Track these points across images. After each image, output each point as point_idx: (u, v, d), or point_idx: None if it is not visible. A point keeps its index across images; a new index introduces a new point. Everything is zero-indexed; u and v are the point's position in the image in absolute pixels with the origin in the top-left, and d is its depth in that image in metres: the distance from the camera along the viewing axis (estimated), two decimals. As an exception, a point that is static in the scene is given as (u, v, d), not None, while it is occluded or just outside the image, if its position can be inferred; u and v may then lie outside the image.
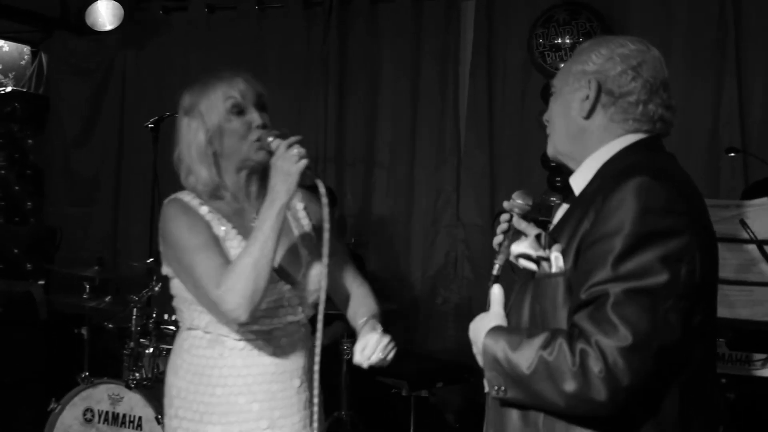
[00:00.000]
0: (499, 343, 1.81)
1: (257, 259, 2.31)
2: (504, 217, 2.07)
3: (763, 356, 3.29)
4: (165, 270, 2.53)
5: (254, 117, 2.43)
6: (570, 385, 1.68)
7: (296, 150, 2.28)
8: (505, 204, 2.06)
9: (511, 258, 2.00)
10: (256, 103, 2.46)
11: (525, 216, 2.05)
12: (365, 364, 2.43)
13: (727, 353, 3.33)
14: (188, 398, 2.51)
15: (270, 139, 2.38)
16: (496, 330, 1.86)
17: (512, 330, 1.86)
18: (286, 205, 2.33)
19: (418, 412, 4.71)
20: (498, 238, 2.06)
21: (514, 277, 2.12)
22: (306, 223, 2.60)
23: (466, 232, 5.71)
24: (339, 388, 4.41)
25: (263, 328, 2.47)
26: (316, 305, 2.48)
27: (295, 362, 2.54)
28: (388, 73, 6.00)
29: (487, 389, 1.86)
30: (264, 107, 2.48)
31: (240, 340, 2.48)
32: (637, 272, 1.69)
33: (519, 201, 2.05)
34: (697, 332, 1.80)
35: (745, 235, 2.98)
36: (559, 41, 5.16)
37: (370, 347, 2.44)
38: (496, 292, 1.95)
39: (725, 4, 5.03)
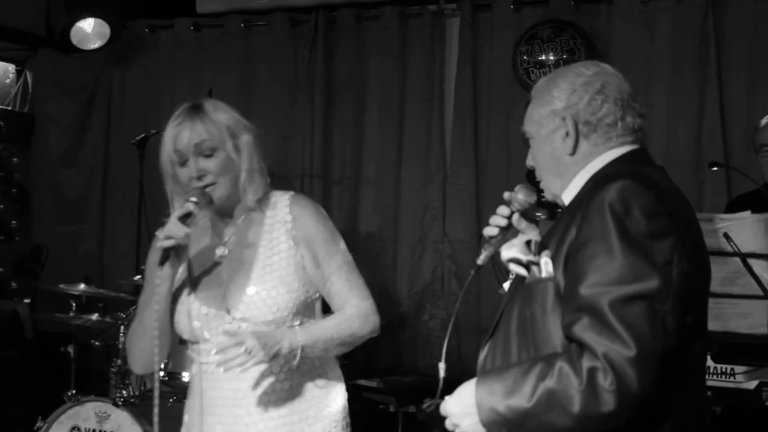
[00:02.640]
0: (494, 392, 1.79)
1: (139, 331, 2.56)
2: (503, 211, 2.05)
3: (748, 369, 3.32)
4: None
5: (192, 167, 2.46)
6: (578, 406, 1.69)
7: (170, 227, 2.41)
8: (506, 195, 2.06)
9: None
10: (197, 152, 2.47)
11: (525, 212, 2.05)
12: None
13: (713, 366, 3.36)
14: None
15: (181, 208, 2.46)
16: (485, 380, 1.84)
17: (500, 372, 1.85)
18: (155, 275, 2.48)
19: (405, 428, 4.71)
20: (491, 231, 2.05)
21: (495, 285, 2.15)
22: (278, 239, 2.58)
23: (452, 249, 5.72)
24: (327, 405, 4.40)
25: (204, 350, 2.52)
26: (269, 324, 2.50)
27: (257, 386, 2.51)
28: (374, 90, 6.02)
29: None
30: (211, 150, 2.47)
31: (195, 364, 2.58)
32: (629, 277, 1.71)
33: (520, 196, 2.03)
34: (691, 331, 1.83)
35: (729, 249, 3.02)
36: (543, 58, 5.20)
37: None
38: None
39: (707, 20, 5.08)
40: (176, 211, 2.43)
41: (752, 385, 3.33)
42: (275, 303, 2.48)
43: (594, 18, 5.40)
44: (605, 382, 1.67)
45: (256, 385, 2.50)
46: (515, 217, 2.04)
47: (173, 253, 2.42)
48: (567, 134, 1.96)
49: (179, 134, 2.47)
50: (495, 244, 2.05)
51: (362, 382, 5.01)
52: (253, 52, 6.27)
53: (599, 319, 1.70)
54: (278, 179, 5.52)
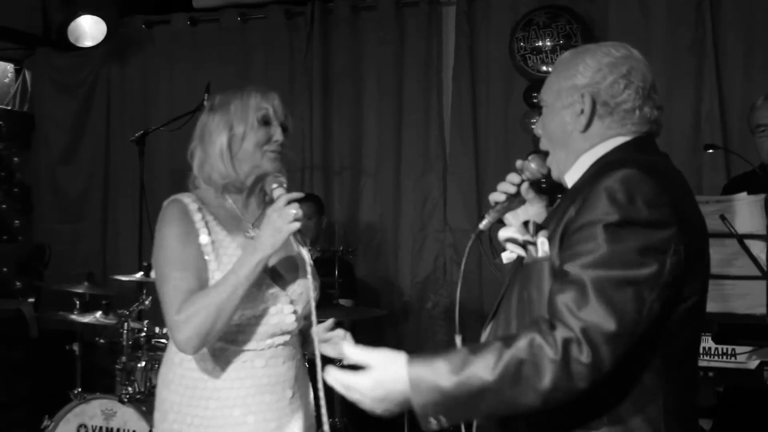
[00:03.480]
0: (437, 367, 1.71)
1: (223, 302, 2.38)
2: (513, 178, 2.05)
3: (748, 349, 3.33)
4: (154, 274, 2.57)
5: (277, 132, 2.55)
6: (548, 378, 1.66)
7: (294, 210, 2.37)
8: (518, 163, 2.05)
9: (513, 255, 2.01)
10: (282, 122, 2.58)
11: (535, 182, 2.04)
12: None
13: (714, 347, 3.37)
14: (182, 411, 2.53)
15: (274, 185, 2.49)
16: (421, 359, 1.75)
17: (445, 352, 1.76)
18: (267, 257, 2.40)
19: (411, 416, 4.72)
20: (498, 196, 2.05)
21: (495, 273, 2.15)
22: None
23: (454, 237, 5.74)
24: (332, 395, 4.42)
25: (255, 338, 2.51)
26: (305, 317, 2.56)
27: (286, 373, 2.58)
28: (372, 80, 6.03)
29: (423, 425, 1.75)
30: (287, 129, 2.59)
31: (233, 352, 2.51)
32: (622, 262, 1.71)
33: (533, 165, 2.02)
34: (679, 323, 1.83)
35: (726, 230, 3.02)
36: (540, 44, 5.20)
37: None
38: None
39: (702, 3, 5.08)
40: (284, 196, 2.41)
41: (753, 365, 3.34)
42: (311, 294, 2.54)
43: (589, 3, 5.40)
44: (581, 355, 1.65)
45: (288, 370, 2.57)
46: (525, 186, 2.04)
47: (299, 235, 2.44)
48: (582, 111, 1.95)
49: (273, 100, 2.58)
50: (500, 211, 2.04)
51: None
52: (249, 45, 6.28)
53: (584, 294, 1.70)
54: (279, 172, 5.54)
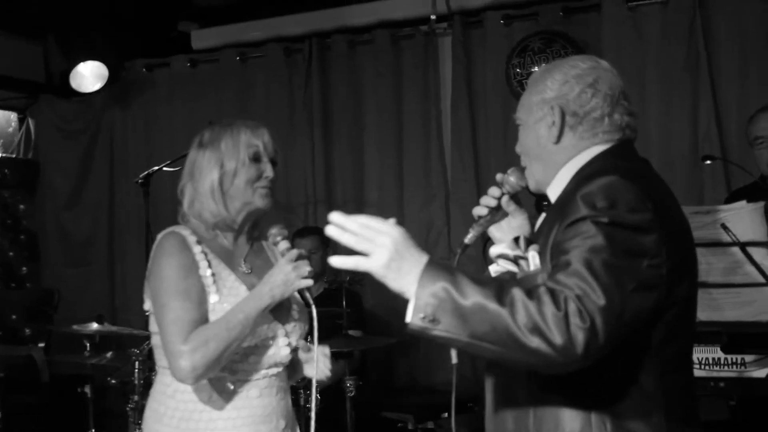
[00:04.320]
0: (456, 274, 1.70)
1: (232, 338, 2.43)
2: (494, 192, 2.11)
3: (757, 357, 3.34)
4: (147, 305, 2.59)
5: (268, 168, 2.59)
6: (549, 328, 1.65)
7: (309, 268, 2.50)
8: (498, 177, 2.12)
9: (500, 268, 2.05)
10: (272, 158, 2.61)
11: (514, 196, 2.09)
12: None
13: (723, 357, 3.38)
14: None
15: (279, 239, 2.57)
16: (443, 264, 1.75)
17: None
18: (275, 304, 2.50)
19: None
20: (481, 210, 2.11)
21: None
22: None
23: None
24: (344, 426, 4.42)
25: (251, 369, 2.55)
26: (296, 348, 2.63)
27: (279, 403, 2.62)
28: (372, 113, 6.09)
29: (410, 318, 1.72)
30: (276, 163, 2.63)
31: (228, 382, 2.54)
32: (607, 251, 1.73)
33: (512, 179, 2.09)
34: (672, 326, 1.86)
35: (728, 239, 3.05)
36: (536, 69, 5.25)
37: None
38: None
39: (694, 21, 5.14)
40: (295, 250, 2.53)
41: (763, 373, 3.35)
42: (304, 327, 2.70)
43: (583, 27, 5.46)
44: (580, 320, 1.66)
45: (280, 400, 2.62)
46: (505, 198, 2.10)
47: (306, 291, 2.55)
48: (553, 123, 2.00)
49: (263, 135, 2.61)
50: (483, 224, 2.10)
51: (379, 401, 5.04)
52: (249, 84, 6.36)
53: (575, 270, 1.72)
54: (281, 207, 5.58)
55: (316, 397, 4.16)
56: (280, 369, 2.62)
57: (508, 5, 5.66)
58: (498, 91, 5.63)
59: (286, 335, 2.60)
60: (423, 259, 1.73)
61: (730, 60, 5.11)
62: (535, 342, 1.66)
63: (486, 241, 2.28)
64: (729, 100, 5.11)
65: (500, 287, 1.70)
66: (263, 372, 2.57)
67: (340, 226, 1.75)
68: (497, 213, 2.10)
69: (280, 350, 2.58)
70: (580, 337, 1.65)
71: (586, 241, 1.75)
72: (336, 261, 1.78)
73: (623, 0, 5.31)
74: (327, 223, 5.51)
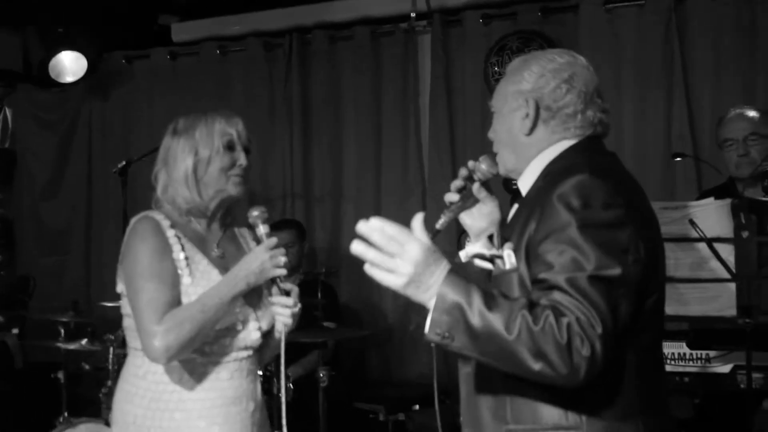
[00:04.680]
0: (471, 293, 1.74)
1: (206, 320, 2.48)
2: (462, 173, 2.15)
3: (722, 353, 3.41)
4: (120, 287, 2.62)
5: (241, 157, 2.63)
6: (553, 357, 1.70)
7: (283, 259, 2.55)
8: (470, 164, 2.15)
9: (466, 258, 2.10)
10: (245, 146, 2.66)
11: (485, 183, 2.14)
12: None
13: (688, 353, 3.45)
14: (145, 424, 2.56)
15: (261, 225, 2.61)
16: (461, 278, 1.78)
17: (479, 285, 1.80)
18: (249, 289, 2.56)
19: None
20: (452, 197, 2.15)
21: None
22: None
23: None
24: (317, 416, 4.46)
25: (222, 351, 2.59)
26: (269, 332, 2.67)
27: (249, 385, 2.66)
28: (351, 108, 6.12)
29: (427, 330, 1.77)
30: (249, 151, 2.68)
31: (199, 363, 2.57)
32: (590, 264, 1.77)
33: (483, 166, 2.12)
34: (647, 317, 1.91)
35: (695, 234, 3.11)
36: (514, 68, 5.31)
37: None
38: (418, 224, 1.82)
39: (670, 24, 5.20)
40: (273, 239, 2.59)
41: (727, 368, 3.42)
42: (270, 311, 2.70)
43: (560, 27, 5.52)
44: (582, 348, 1.71)
45: (250, 383, 2.66)
46: (476, 186, 2.14)
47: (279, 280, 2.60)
48: (527, 115, 2.04)
49: (237, 124, 2.65)
50: (455, 210, 2.14)
51: (351, 392, 5.09)
52: (229, 77, 6.38)
53: (567, 294, 1.76)
54: (259, 200, 5.61)
55: (289, 386, 4.23)
56: (251, 352, 2.66)
57: (487, 5, 5.70)
58: (476, 88, 5.68)
59: (257, 319, 2.64)
60: (442, 273, 1.76)
61: (704, 62, 5.18)
62: (539, 367, 1.72)
63: (461, 233, 2.33)
64: (703, 101, 5.17)
65: (510, 310, 1.73)
66: (234, 355, 2.61)
67: (367, 236, 1.77)
68: (468, 199, 2.14)
69: (250, 334, 2.63)
70: (582, 366, 1.71)
71: (567, 254, 1.78)
72: (367, 269, 1.79)
73: (601, 1, 5.37)
74: (304, 215, 5.50)
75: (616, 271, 1.78)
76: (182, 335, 2.43)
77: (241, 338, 2.61)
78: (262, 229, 2.61)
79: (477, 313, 1.73)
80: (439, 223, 2.12)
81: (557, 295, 1.76)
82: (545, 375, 1.73)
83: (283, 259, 2.56)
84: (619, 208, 1.84)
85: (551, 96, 2.02)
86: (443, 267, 1.77)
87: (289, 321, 2.61)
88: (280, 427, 2.66)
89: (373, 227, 1.76)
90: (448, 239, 5.58)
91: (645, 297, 1.88)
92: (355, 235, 5.50)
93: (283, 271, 2.57)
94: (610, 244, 1.80)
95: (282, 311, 2.61)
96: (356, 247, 1.77)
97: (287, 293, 2.60)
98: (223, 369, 2.60)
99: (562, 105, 2.02)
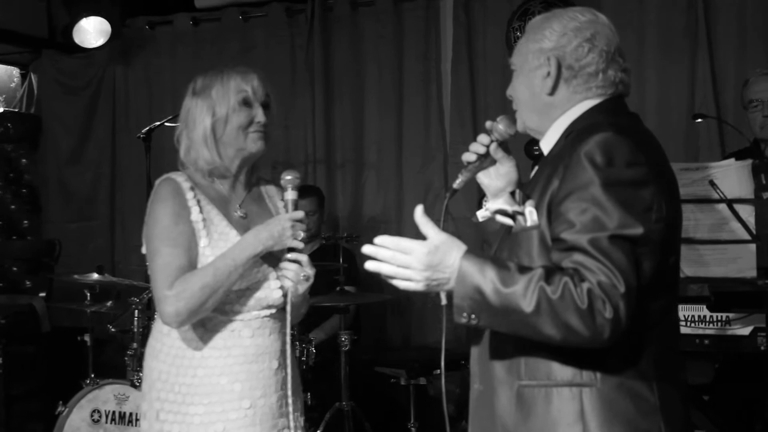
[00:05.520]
0: (486, 274, 1.79)
1: (218, 284, 2.50)
2: (483, 139, 2.14)
3: (741, 316, 3.42)
4: (143, 249, 2.65)
5: (258, 113, 2.63)
6: (575, 322, 1.74)
7: (302, 234, 2.57)
8: (487, 124, 2.15)
9: (488, 213, 2.11)
10: (263, 102, 2.65)
11: (503, 143, 2.14)
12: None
13: (708, 315, 3.46)
14: (170, 380, 2.61)
15: (290, 190, 2.61)
16: (476, 258, 1.83)
17: (496, 261, 1.85)
18: (263, 252, 2.57)
19: (417, 401, 4.81)
20: (469, 156, 2.14)
21: (485, 236, 2.23)
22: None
23: (455, 226, 5.80)
24: (338, 380, 4.51)
25: (243, 309, 2.61)
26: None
27: (272, 344, 2.68)
28: (372, 75, 6.12)
29: (455, 316, 1.84)
30: (268, 107, 2.67)
31: (220, 321, 2.61)
32: (613, 223, 1.78)
33: (501, 126, 2.11)
34: (668, 276, 1.92)
35: (715, 195, 3.11)
36: (536, 33, 5.28)
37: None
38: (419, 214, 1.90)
39: (695, -12, 5.18)
40: (299, 212, 2.60)
41: (747, 330, 3.43)
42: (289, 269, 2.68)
43: (584, -9, 5.48)
44: (604, 310, 1.73)
45: (274, 341, 2.68)
46: (493, 146, 2.13)
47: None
48: (548, 74, 2.03)
49: (252, 80, 2.65)
50: (472, 170, 2.14)
51: (373, 357, 5.12)
52: (251, 43, 6.38)
53: (588, 256, 1.77)
54: (282, 166, 5.63)
55: (311, 350, 4.27)
56: (273, 311, 2.67)
57: (510, -31, 5.68)
58: (498, 54, 5.65)
59: (278, 278, 2.65)
60: (456, 261, 1.83)
61: (728, 26, 5.14)
62: (562, 334, 1.77)
63: (480, 198, 2.33)
64: (726, 66, 5.14)
65: (527, 284, 1.77)
66: (255, 313, 2.63)
67: (373, 256, 1.85)
68: (485, 159, 2.14)
69: (272, 293, 2.64)
70: (607, 328, 1.74)
71: (589, 212, 1.80)
72: (387, 269, 1.87)
73: (625, -35, 5.34)
74: (325, 182, 5.53)
75: (638, 230, 1.79)
76: (192, 301, 2.47)
77: (262, 297, 2.63)
78: (290, 195, 2.62)
79: (493, 291, 1.78)
80: (456, 183, 2.13)
81: (579, 257, 1.78)
82: (570, 341, 1.78)
83: (302, 234, 2.58)
84: (643, 166, 1.84)
85: (573, 55, 2.01)
86: (455, 255, 1.84)
87: (294, 281, 2.62)
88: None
89: (377, 246, 1.86)
90: (467, 205, 5.64)
91: (667, 256, 1.90)
92: (377, 202, 5.55)
93: (300, 245, 2.59)
94: (632, 202, 1.81)
95: (289, 268, 2.62)
96: (370, 266, 1.87)
97: (297, 263, 2.62)
98: (245, 327, 2.63)
99: (584, 64, 2.01)
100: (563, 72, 2.02)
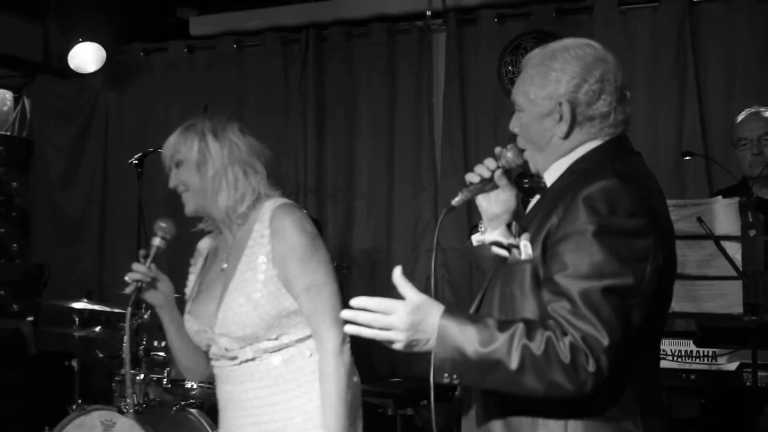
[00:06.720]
0: (466, 333, 1.80)
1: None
2: (490, 164, 2.13)
3: (728, 351, 3.45)
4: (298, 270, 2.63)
5: (171, 178, 2.72)
6: (559, 378, 1.76)
7: (132, 278, 2.68)
8: (497, 150, 2.13)
9: (483, 239, 2.14)
10: (170, 165, 2.70)
11: (508, 171, 2.13)
12: None
13: (695, 350, 3.49)
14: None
15: (159, 233, 2.74)
16: (455, 317, 1.84)
17: (475, 319, 1.86)
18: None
19: (404, 431, 4.81)
20: (473, 177, 2.14)
21: (477, 261, 2.25)
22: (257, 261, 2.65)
23: (445, 257, 5.83)
24: (326, 409, 4.49)
25: (215, 363, 2.72)
26: (244, 339, 2.62)
27: (246, 393, 2.66)
28: (365, 105, 6.17)
29: (434, 376, 1.86)
30: (180, 164, 2.67)
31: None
32: (605, 272, 1.80)
33: (509, 155, 2.10)
34: (656, 323, 1.94)
35: (703, 232, 3.14)
36: (527, 67, 5.34)
37: None
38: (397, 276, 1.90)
39: (683, 26, 5.24)
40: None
41: (733, 366, 3.45)
42: (242, 320, 2.59)
43: (575, 28, 5.53)
44: (587, 364, 1.75)
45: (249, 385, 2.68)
46: (498, 172, 2.12)
47: (144, 292, 2.70)
48: (561, 118, 1.99)
49: (167, 142, 2.72)
50: (473, 191, 2.14)
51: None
52: (245, 72, 6.43)
53: (575, 306, 1.79)
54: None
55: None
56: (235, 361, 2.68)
57: (502, 4, 5.75)
58: (490, 88, 5.72)
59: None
60: (435, 321, 1.83)
61: (717, 65, 5.21)
62: (546, 389, 1.79)
63: (473, 227, 2.35)
64: (715, 104, 5.21)
65: (509, 342, 1.78)
66: (215, 363, 2.74)
67: (353, 321, 1.85)
68: (488, 183, 2.12)
69: (221, 348, 2.68)
70: (589, 381, 1.77)
71: (584, 259, 1.81)
72: (368, 333, 1.87)
73: (615, 3, 5.41)
74: (317, 211, 5.53)
75: (629, 280, 1.80)
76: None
77: (216, 350, 2.69)
78: (155, 242, 2.74)
79: (474, 352, 1.79)
80: (455, 200, 2.12)
81: (566, 306, 1.80)
82: (553, 395, 1.80)
83: (131, 278, 2.68)
84: (643, 217, 1.85)
85: (585, 99, 1.97)
86: (435, 315, 1.84)
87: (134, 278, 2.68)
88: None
89: (356, 310, 1.85)
90: (457, 235, 5.66)
91: (658, 304, 1.91)
92: (367, 232, 5.55)
93: (129, 288, 2.69)
94: (626, 252, 1.81)
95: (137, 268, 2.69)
96: (350, 329, 1.87)
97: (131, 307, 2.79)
98: (219, 375, 2.76)
99: (597, 107, 1.98)
100: (577, 116, 1.99)
